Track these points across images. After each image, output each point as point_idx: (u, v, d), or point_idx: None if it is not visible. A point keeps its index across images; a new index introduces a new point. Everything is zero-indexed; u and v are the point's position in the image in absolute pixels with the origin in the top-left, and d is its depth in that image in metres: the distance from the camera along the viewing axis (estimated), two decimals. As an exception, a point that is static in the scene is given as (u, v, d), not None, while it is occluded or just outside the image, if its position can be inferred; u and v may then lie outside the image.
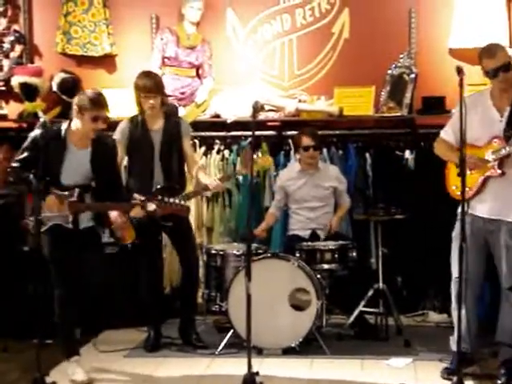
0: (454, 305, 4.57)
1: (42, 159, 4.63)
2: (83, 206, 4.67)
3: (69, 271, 4.63)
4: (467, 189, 4.37)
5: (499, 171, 4.35)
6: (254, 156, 5.78)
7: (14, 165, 4.70)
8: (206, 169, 6.15)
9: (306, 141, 5.70)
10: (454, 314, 4.54)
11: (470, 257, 4.24)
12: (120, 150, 5.29)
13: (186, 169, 5.40)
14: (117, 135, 5.31)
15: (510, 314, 4.45)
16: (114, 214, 4.91)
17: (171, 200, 4.81)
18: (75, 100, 4.69)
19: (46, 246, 4.63)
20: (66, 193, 4.60)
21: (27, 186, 4.57)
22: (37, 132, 4.72)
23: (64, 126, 4.72)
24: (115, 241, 5.21)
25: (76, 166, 4.67)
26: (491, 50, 4.39)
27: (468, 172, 4.38)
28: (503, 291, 4.49)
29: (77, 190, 4.62)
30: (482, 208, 4.41)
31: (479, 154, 4.37)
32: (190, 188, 5.81)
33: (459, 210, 4.47)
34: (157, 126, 5.30)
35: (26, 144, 4.74)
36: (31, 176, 4.53)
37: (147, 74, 5.31)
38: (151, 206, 4.74)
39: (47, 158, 4.63)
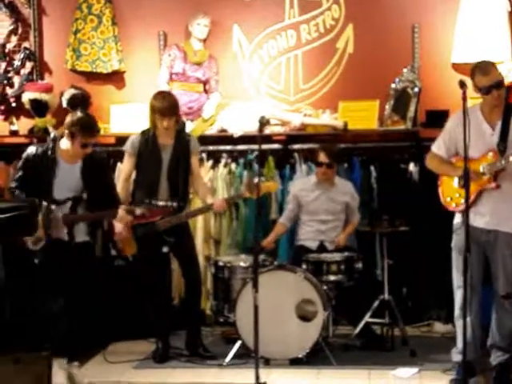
0: (457, 314, 4.63)
1: (34, 176, 4.80)
2: (73, 216, 4.80)
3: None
4: (462, 200, 4.46)
5: (494, 184, 4.42)
6: (261, 178, 5.82)
7: (12, 185, 4.89)
8: (213, 181, 6.24)
9: (321, 157, 5.69)
10: (458, 323, 4.58)
11: (472, 266, 4.31)
12: (130, 162, 5.38)
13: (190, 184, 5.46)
14: (127, 147, 5.39)
15: (505, 318, 4.53)
16: (118, 227, 5.03)
17: (158, 203, 5.04)
18: (67, 122, 4.81)
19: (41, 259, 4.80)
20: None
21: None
22: (28, 151, 4.91)
23: (51, 143, 4.89)
24: (116, 252, 5.32)
25: (67, 180, 4.81)
26: (485, 68, 4.45)
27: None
28: (497, 297, 4.56)
29: (69, 202, 4.77)
30: (478, 220, 4.47)
31: (473, 167, 4.39)
32: (191, 203, 5.87)
33: (455, 221, 4.60)
34: (167, 142, 5.33)
35: (20, 163, 4.96)
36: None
37: (163, 96, 5.29)
38: (138, 211, 4.85)
39: (38, 175, 4.80)
